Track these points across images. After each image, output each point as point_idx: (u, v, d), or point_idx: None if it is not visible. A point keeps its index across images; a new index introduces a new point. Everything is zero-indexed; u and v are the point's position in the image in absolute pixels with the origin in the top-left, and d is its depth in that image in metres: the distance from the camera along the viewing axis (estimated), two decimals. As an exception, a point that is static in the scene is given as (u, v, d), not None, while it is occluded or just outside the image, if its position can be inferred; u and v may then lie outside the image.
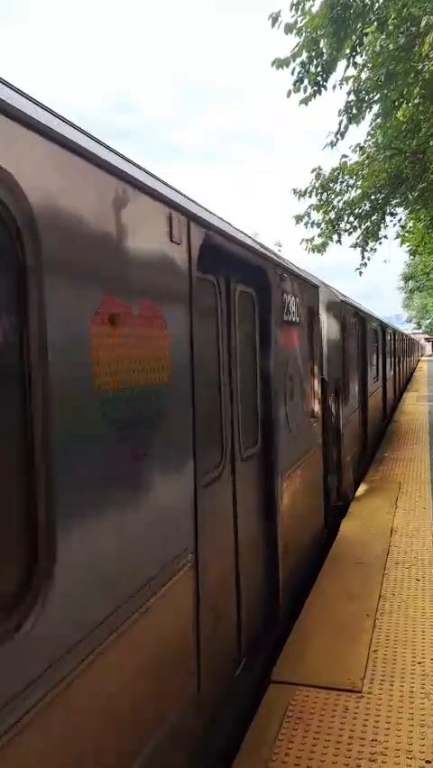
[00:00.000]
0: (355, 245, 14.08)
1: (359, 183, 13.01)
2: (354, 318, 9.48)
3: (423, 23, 8.59)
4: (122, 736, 2.18)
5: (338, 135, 12.18)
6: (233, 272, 3.86)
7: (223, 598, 3.54)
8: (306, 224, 13.45)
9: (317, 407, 6.08)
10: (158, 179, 2.77)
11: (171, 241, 2.70)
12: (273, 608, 4.42)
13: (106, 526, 2.11)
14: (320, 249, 13.71)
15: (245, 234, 4.21)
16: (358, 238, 13.96)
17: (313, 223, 13.45)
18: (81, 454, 1.96)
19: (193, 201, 3.20)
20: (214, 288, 3.60)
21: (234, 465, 3.81)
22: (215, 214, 3.56)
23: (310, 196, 13.21)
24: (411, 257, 27.26)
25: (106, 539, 2.10)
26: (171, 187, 2.95)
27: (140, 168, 2.62)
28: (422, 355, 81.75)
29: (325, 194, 13.15)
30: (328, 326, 7.32)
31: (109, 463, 2.13)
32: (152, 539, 2.46)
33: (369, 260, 14.47)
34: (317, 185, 13.10)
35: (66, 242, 1.90)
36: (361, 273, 14.75)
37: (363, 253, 14.23)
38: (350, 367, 8.75)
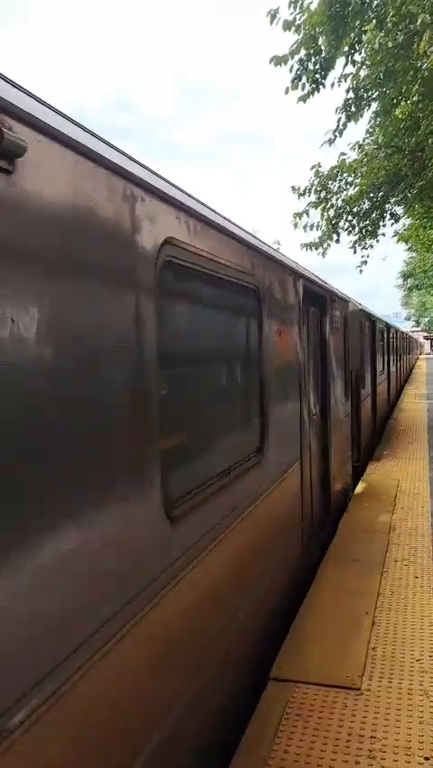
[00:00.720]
0: (355, 244, 14.07)
1: (358, 181, 13.00)
2: (367, 321, 11.54)
3: (419, 21, 8.57)
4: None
5: (336, 133, 12.18)
6: (310, 302, 6.10)
7: (315, 487, 6.25)
8: (304, 226, 13.43)
9: (347, 388, 8.36)
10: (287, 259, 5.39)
11: (294, 289, 5.25)
12: (327, 507, 6.92)
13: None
14: (318, 247, 13.68)
15: (316, 276, 6.64)
16: (358, 237, 13.95)
17: (312, 225, 13.44)
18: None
19: (296, 263, 5.72)
20: (307, 312, 5.98)
21: (328, 408, 6.82)
22: (306, 269, 6.11)
23: (309, 195, 13.20)
24: (410, 252, 27.31)
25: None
26: (291, 261, 5.45)
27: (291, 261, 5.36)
28: (421, 353, 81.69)
29: (324, 191, 13.13)
30: (351, 329, 8.89)
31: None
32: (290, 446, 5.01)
33: (368, 257, 14.47)
34: (315, 182, 13.09)
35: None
36: (361, 271, 14.77)
37: (359, 250, 14.23)
38: (364, 361, 10.79)
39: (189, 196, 3.02)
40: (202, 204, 3.22)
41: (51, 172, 1.81)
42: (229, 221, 3.63)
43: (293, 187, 13.18)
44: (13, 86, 1.83)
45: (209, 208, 3.32)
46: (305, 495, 5.53)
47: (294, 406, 5.16)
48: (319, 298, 6.57)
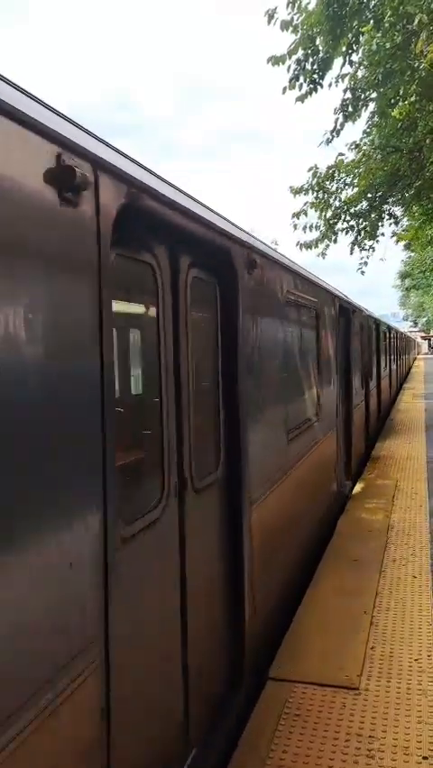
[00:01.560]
0: (353, 244, 14.03)
1: (356, 181, 12.98)
2: (374, 325, 13.74)
3: (416, 21, 8.56)
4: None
5: (334, 133, 12.18)
6: (341, 314, 8.19)
7: (342, 447, 8.52)
8: (304, 227, 13.41)
9: (361, 379, 10.67)
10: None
11: (333, 306, 7.38)
12: (349, 462, 9.34)
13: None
14: (315, 247, 13.66)
15: (345, 295, 8.76)
16: (357, 237, 13.91)
17: (311, 226, 13.42)
18: None
19: (335, 288, 7.84)
20: (339, 322, 7.95)
21: (351, 394, 9.15)
22: (338, 290, 8.20)
23: (306, 194, 13.18)
24: (408, 252, 27.32)
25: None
26: (332, 287, 7.60)
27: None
28: (418, 353, 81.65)
29: (321, 192, 13.12)
30: (364, 333, 10.97)
31: None
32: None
33: (369, 258, 14.43)
34: (313, 182, 13.08)
35: None
36: (363, 273, 14.75)
37: (357, 251, 14.20)
38: (372, 359, 12.89)
39: (294, 266, 5.55)
40: (291, 261, 5.44)
41: None
42: (306, 271, 6.11)
43: (291, 188, 13.19)
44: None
45: (300, 270, 5.82)
46: (339, 448, 7.89)
47: (333, 391, 7.40)
48: (346, 311, 8.75)
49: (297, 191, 13.15)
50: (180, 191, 2.96)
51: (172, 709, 2.81)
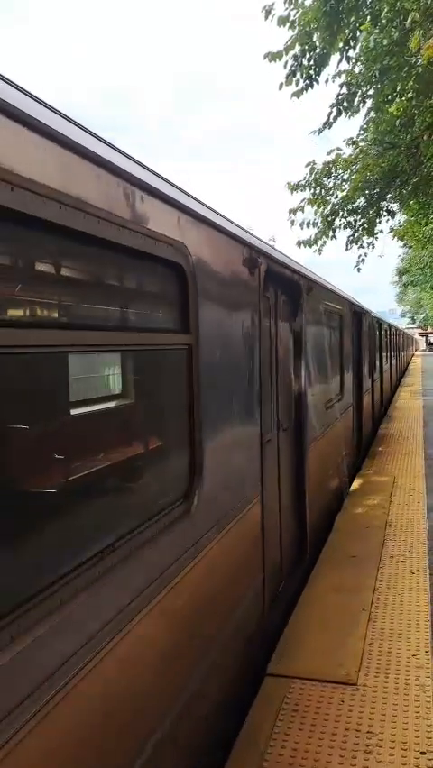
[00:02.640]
0: (352, 242, 14.00)
1: (353, 177, 12.94)
2: (376, 324, 15.26)
3: (409, 20, 8.54)
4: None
5: (326, 125, 12.15)
6: (356, 317, 10.15)
7: (356, 422, 10.44)
8: (301, 223, 13.38)
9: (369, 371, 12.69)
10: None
11: (351, 312, 9.68)
12: (360, 433, 11.10)
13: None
14: (312, 244, 13.64)
15: (359, 302, 10.77)
16: (354, 234, 13.88)
17: (309, 223, 13.39)
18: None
19: (353, 298, 10.20)
20: (353, 324, 9.78)
21: (362, 381, 11.16)
22: (354, 299, 10.19)
23: (303, 190, 13.13)
24: (406, 248, 27.31)
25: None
26: (351, 297, 9.94)
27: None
28: (416, 350, 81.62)
29: (318, 188, 13.07)
30: (369, 331, 12.71)
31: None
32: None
33: (366, 255, 14.42)
34: (310, 179, 13.04)
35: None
36: (359, 270, 14.76)
37: (355, 248, 14.18)
38: (375, 353, 14.49)
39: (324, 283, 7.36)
40: (326, 281, 7.30)
41: None
42: (333, 285, 8.00)
43: (288, 184, 13.15)
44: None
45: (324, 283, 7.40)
46: (354, 421, 9.79)
47: (350, 378, 9.27)
48: (358, 314, 10.61)
49: (294, 188, 13.13)
50: (269, 245, 4.84)
51: (278, 546, 4.82)
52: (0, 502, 1.87)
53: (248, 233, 4.07)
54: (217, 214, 3.44)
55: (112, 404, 3.26)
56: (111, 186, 2.13)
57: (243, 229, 3.96)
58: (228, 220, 3.63)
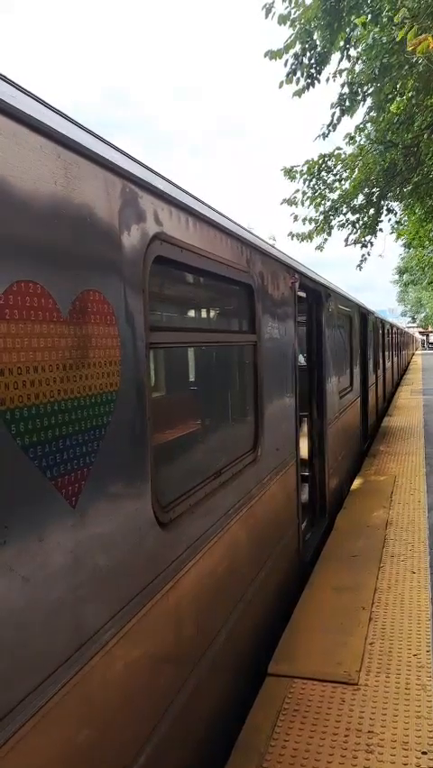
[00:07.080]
0: (354, 242, 13.92)
1: (354, 175, 12.87)
2: (379, 323, 16.30)
3: (397, 16, 8.49)
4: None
5: (330, 127, 12.10)
6: (362, 317, 11.38)
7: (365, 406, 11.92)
8: (304, 219, 13.29)
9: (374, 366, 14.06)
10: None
11: (360, 315, 11.20)
12: (366, 417, 12.33)
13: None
14: (309, 239, 13.54)
15: (365, 305, 12.09)
16: (355, 233, 13.80)
17: (309, 219, 13.30)
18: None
19: (362, 302, 11.81)
20: (360, 324, 11.10)
21: (368, 375, 12.29)
22: (361, 302, 11.73)
23: (299, 177, 12.91)
24: (406, 250, 27.24)
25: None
26: (360, 302, 11.47)
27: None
28: (416, 349, 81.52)
29: (314, 180, 12.90)
30: (374, 331, 13.95)
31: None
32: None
33: (368, 254, 14.31)
34: (303, 169, 12.87)
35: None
36: (361, 269, 14.67)
37: (359, 248, 14.11)
38: (378, 351, 15.53)
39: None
40: (340, 288, 8.47)
41: None
42: (345, 291, 9.30)
43: (284, 168, 12.95)
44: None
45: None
46: (361, 412, 10.93)
47: (359, 372, 10.37)
48: (364, 316, 11.77)
49: (288, 171, 12.90)
50: (295, 260, 5.69)
51: (308, 501, 6.59)
52: (168, 441, 3.15)
53: (284, 254, 5.24)
54: (268, 244, 4.64)
55: (218, 382, 4.39)
56: (214, 236, 3.24)
57: (283, 252, 5.19)
58: (274, 247, 4.89)
